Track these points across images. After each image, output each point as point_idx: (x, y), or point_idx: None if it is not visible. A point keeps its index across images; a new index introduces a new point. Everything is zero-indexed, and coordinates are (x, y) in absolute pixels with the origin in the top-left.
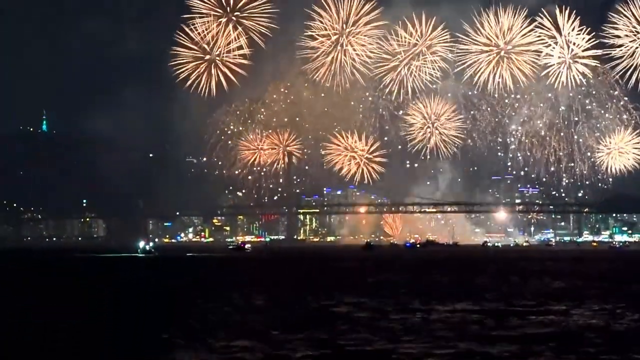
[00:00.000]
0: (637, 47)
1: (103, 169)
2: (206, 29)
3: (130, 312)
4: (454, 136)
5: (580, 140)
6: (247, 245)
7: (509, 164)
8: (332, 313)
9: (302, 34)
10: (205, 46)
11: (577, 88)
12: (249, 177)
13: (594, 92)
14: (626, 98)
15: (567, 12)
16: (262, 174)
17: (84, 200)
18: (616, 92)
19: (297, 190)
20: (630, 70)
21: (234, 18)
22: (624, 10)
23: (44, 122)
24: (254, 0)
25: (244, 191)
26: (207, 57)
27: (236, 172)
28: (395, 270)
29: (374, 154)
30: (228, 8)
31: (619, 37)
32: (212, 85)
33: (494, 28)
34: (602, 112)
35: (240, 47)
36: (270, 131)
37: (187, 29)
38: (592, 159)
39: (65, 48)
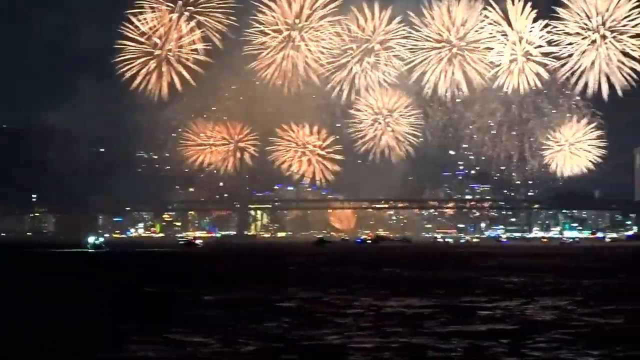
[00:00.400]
0: (588, 45)
1: (53, 163)
2: (158, 23)
3: (85, 307)
4: (407, 133)
5: (531, 138)
6: (199, 241)
7: (460, 161)
8: (285, 308)
9: (251, 28)
10: (158, 40)
11: (529, 87)
12: (201, 175)
13: (545, 91)
14: (578, 97)
15: (520, 3)
16: (215, 172)
17: (34, 195)
18: (567, 92)
19: (247, 188)
20: (580, 70)
21: (186, 13)
22: (571, 3)
23: None
24: None
25: (194, 187)
26: (158, 52)
27: (186, 170)
28: (348, 264)
29: (326, 150)
30: (180, 2)
31: (569, 34)
32: (162, 85)
33: (447, 23)
34: (554, 110)
35: (193, 43)
36: (220, 126)
37: (136, 22)
38: (542, 157)
39: (16, 41)
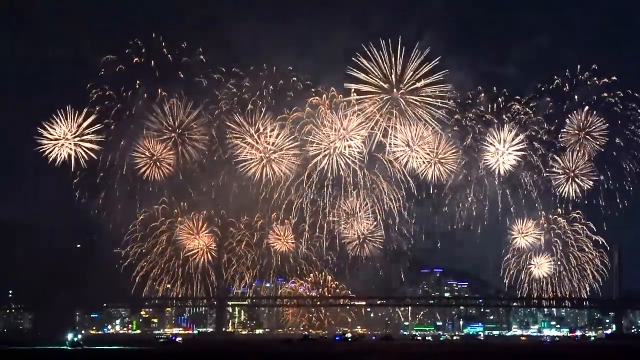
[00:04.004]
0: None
1: (26, 259)
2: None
3: None
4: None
5: (509, 235)
6: (179, 339)
7: (438, 259)
8: None
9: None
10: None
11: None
12: (179, 269)
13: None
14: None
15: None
16: (192, 271)
17: (10, 291)
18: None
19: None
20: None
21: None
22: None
23: None
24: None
25: (170, 284)
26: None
27: (165, 265)
28: None
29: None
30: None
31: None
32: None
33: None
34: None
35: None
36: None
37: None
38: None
39: None
